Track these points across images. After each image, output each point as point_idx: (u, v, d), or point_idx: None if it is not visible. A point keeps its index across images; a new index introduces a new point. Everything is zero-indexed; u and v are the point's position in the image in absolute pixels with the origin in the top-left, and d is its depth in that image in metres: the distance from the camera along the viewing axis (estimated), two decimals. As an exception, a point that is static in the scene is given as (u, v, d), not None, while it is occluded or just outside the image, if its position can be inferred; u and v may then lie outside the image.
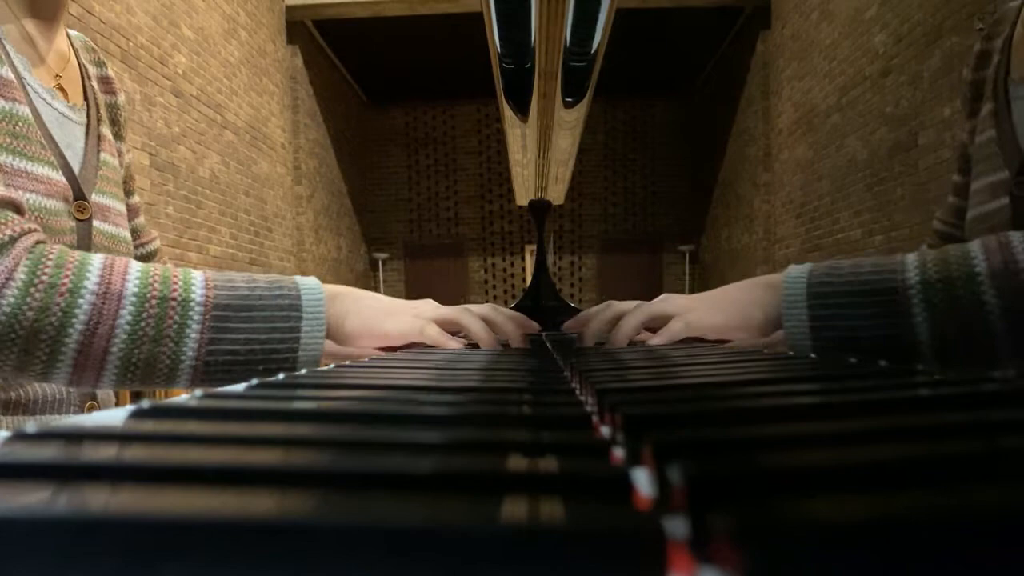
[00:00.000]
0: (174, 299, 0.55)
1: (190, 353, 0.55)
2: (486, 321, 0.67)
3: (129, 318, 0.54)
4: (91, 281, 0.53)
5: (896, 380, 0.34)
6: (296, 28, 6.91)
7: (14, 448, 0.19)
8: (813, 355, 0.51)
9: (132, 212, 0.89)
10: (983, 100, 0.79)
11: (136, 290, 0.55)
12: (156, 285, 0.55)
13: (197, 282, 0.57)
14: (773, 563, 0.11)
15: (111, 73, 0.87)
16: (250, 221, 5.84)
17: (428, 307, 0.67)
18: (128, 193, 0.88)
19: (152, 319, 0.54)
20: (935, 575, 0.11)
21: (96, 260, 0.55)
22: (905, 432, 0.21)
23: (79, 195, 0.71)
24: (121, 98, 0.88)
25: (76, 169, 0.72)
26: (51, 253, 0.54)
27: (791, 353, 0.57)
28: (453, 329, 0.67)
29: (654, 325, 0.69)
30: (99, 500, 0.15)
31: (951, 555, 0.11)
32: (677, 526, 0.14)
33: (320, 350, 0.59)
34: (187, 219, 4.74)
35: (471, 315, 0.67)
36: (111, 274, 0.54)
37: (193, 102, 5.00)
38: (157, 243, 0.94)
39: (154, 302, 0.55)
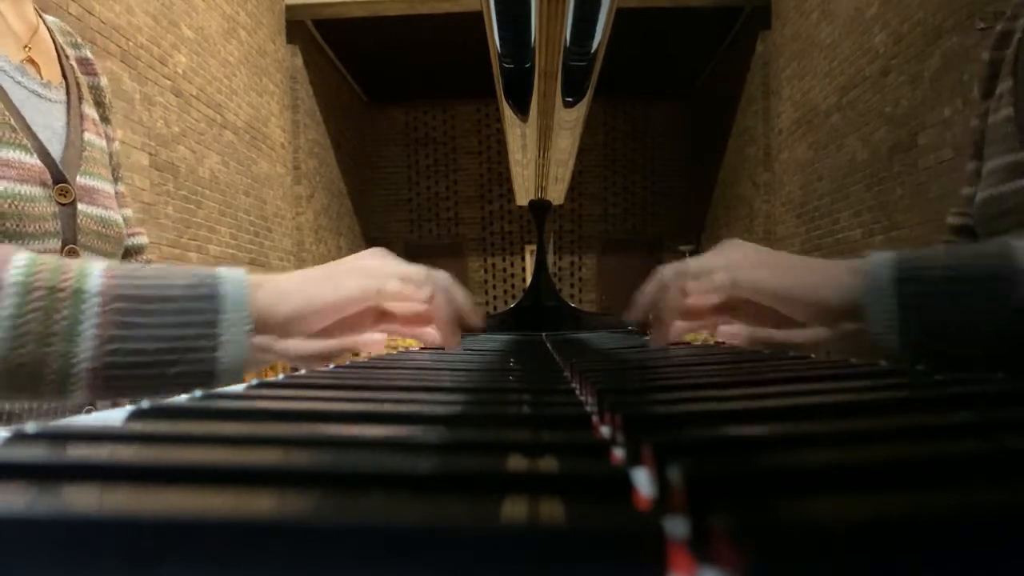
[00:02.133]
0: (64, 289, 0.47)
1: (85, 354, 0.47)
2: (448, 303, 0.57)
3: (10, 311, 0.45)
4: None
5: (896, 380, 0.34)
6: (296, 28, 6.91)
7: (14, 448, 0.19)
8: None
9: (122, 202, 0.83)
10: (999, 79, 0.75)
11: (20, 279, 0.46)
12: (43, 273, 0.47)
13: (95, 271, 0.48)
14: (773, 563, 0.11)
15: (90, 55, 0.81)
16: (250, 221, 5.84)
17: (378, 261, 0.56)
18: (116, 181, 0.83)
19: (38, 312, 0.46)
20: (935, 575, 0.11)
21: None
22: (905, 432, 0.21)
23: (59, 178, 0.66)
24: (103, 80, 0.82)
25: (57, 150, 0.68)
26: None
27: (875, 356, 0.49)
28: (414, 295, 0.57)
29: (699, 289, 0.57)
30: (98, 500, 0.15)
31: (951, 555, 0.11)
32: (677, 526, 0.14)
33: (245, 348, 0.50)
34: (187, 219, 4.74)
35: (438, 287, 0.57)
36: None
37: (193, 102, 5.00)
38: (143, 239, 0.87)
39: (40, 292, 0.46)
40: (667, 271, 0.60)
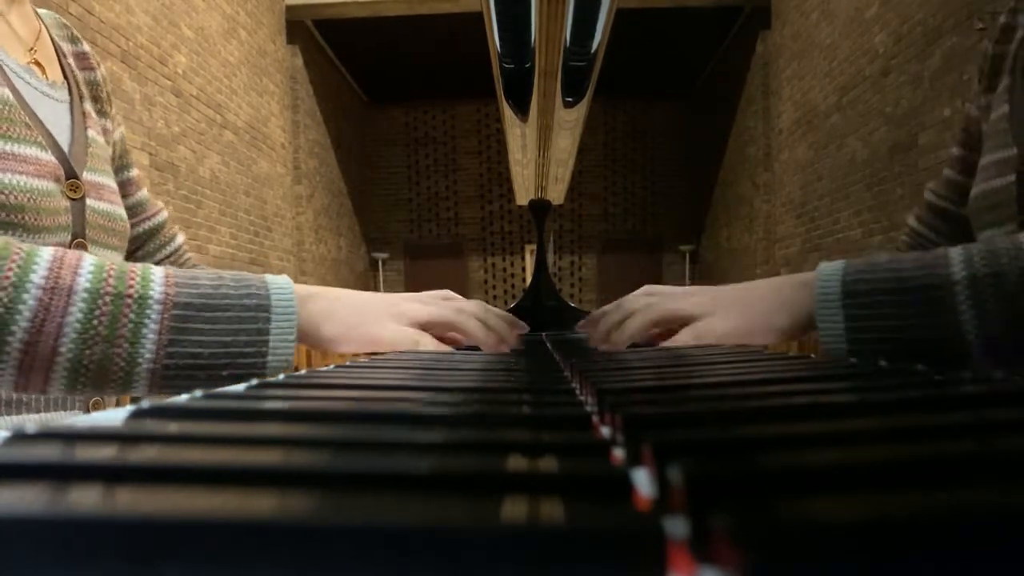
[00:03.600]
0: (130, 296, 0.51)
1: (147, 355, 0.51)
2: (480, 321, 0.63)
3: (80, 315, 0.49)
4: (38, 275, 0.49)
5: (896, 380, 0.34)
6: (296, 28, 6.91)
7: (14, 448, 0.19)
8: (852, 360, 0.48)
9: (133, 186, 0.86)
10: (1000, 75, 0.77)
11: (88, 285, 0.50)
12: (111, 280, 0.51)
13: (157, 278, 0.53)
14: (773, 563, 0.11)
15: (87, 48, 0.83)
16: (250, 221, 5.84)
17: (416, 308, 0.61)
18: (126, 167, 0.86)
19: (106, 317, 0.50)
20: (935, 575, 0.11)
21: (45, 252, 0.51)
22: (905, 432, 0.21)
23: (71, 174, 0.69)
24: (101, 72, 0.83)
25: (65, 147, 0.70)
26: None
27: (817, 356, 0.53)
28: (445, 332, 0.64)
29: (666, 327, 0.64)
30: (99, 500, 0.15)
31: (951, 555, 0.11)
32: (677, 526, 0.14)
33: (291, 354, 0.55)
34: (187, 219, 4.74)
35: (466, 316, 0.63)
36: (61, 267, 0.50)
37: (193, 102, 5.00)
38: (164, 214, 0.90)
39: (108, 299, 0.50)
40: (631, 305, 0.66)
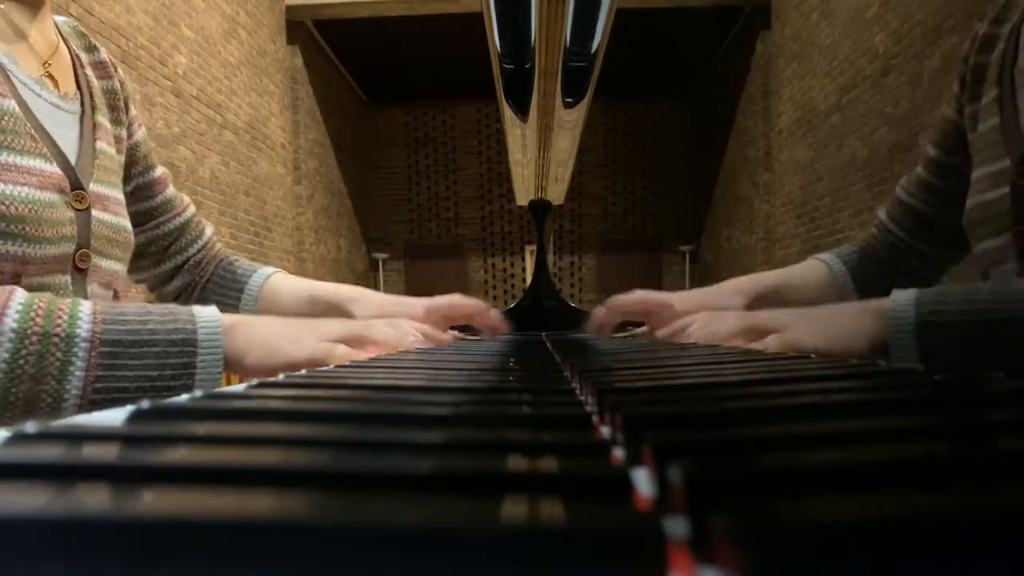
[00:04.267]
0: (57, 335, 0.52)
1: (74, 392, 0.52)
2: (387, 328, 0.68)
3: (6, 355, 0.51)
4: None
5: (896, 380, 0.34)
6: (296, 28, 6.91)
7: (14, 448, 0.19)
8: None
9: (159, 184, 0.88)
10: (985, 85, 0.77)
11: (15, 325, 0.52)
12: (38, 320, 0.52)
13: (84, 315, 0.54)
14: (773, 563, 0.11)
15: (105, 57, 0.84)
16: (250, 221, 5.84)
17: (334, 326, 0.66)
18: (150, 168, 0.88)
19: (32, 356, 0.51)
20: (935, 575, 0.11)
21: None
22: (905, 432, 0.21)
23: (76, 184, 0.70)
24: (118, 80, 0.85)
25: (72, 159, 0.71)
26: None
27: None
28: (360, 346, 0.67)
29: (750, 336, 0.66)
30: (99, 500, 0.15)
31: (951, 555, 0.11)
32: (677, 526, 0.14)
33: (216, 385, 0.57)
34: (187, 219, 4.74)
35: (377, 329, 0.67)
36: None
37: (193, 102, 5.00)
38: (191, 209, 0.93)
39: (35, 338, 0.52)
40: (720, 327, 0.69)
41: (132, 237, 0.80)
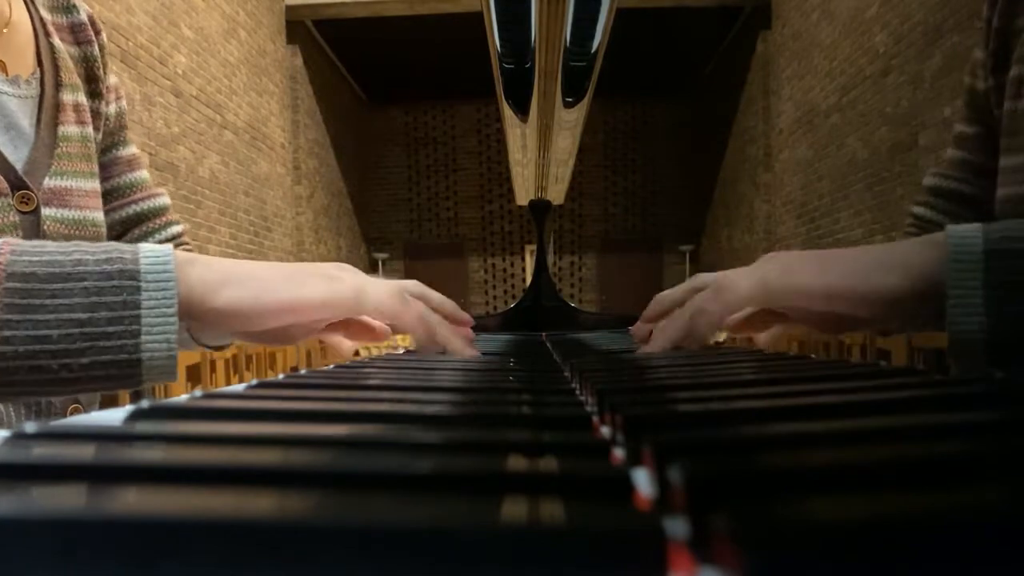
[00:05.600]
0: None
1: None
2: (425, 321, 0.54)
3: None
4: None
5: (896, 380, 0.34)
6: (296, 28, 6.91)
7: (14, 448, 0.19)
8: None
9: (123, 165, 0.77)
10: (1012, 60, 0.66)
11: None
12: None
13: None
14: (773, 563, 0.11)
15: (85, 17, 0.72)
16: (250, 221, 5.84)
17: (347, 272, 0.51)
18: (119, 144, 0.77)
19: None
20: (935, 575, 0.11)
21: None
22: (905, 432, 0.21)
23: (18, 184, 0.61)
24: (99, 44, 0.73)
25: (23, 153, 0.63)
26: None
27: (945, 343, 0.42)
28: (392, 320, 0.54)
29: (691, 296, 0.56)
30: (99, 500, 0.15)
31: (951, 555, 0.11)
32: (677, 526, 0.14)
33: (174, 332, 0.44)
34: (187, 219, 4.75)
35: (416, 300, 0.53)
36: None
37: (193, 102, 5.00)
38: (162, 200, 0.80)
39: None
40: (697, 295, 0.56)
41: (102, 230, 0.70)
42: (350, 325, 0.58)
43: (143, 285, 0.43)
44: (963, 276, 0.41)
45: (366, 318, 0.57)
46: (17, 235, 0.59)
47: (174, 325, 0.43)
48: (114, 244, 0.45)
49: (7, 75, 0.64)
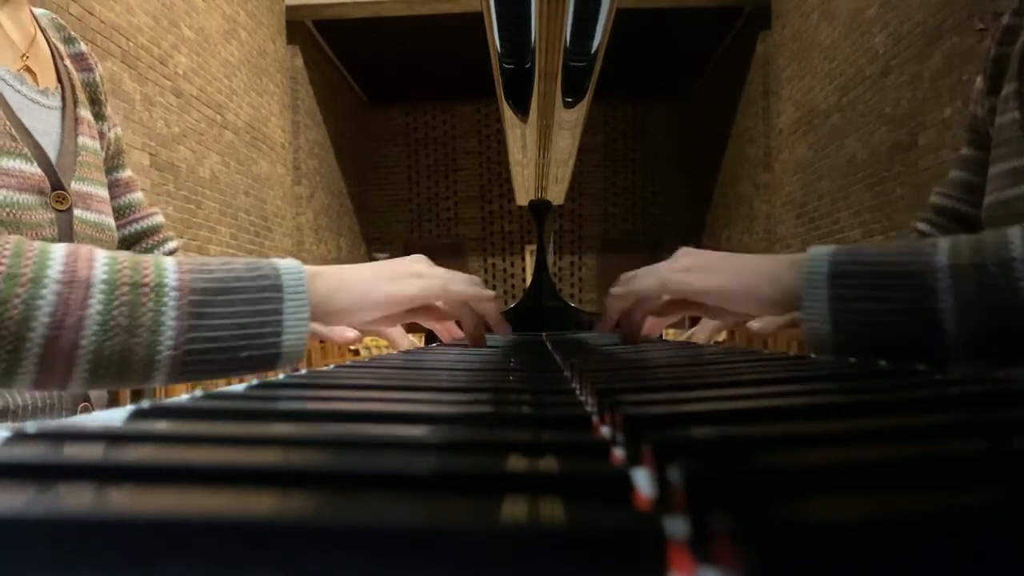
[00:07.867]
0: (146, 284, 0.51)
1: (168, 343, 0.50)
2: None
3: (99, 307, 0.49)
4: (54, 269, 0.49)
5: (895, 380, 0.34)
6: (296, 28, 6.91)
7: (14, 448, 0.19)
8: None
9: (123, 187, 0.86)
10: (1005, 78, 0.74)
11: (105, 276, 0.50)
12: (126, 271, 0.51)
13: (170, 267, 0.53)
14: (773, 563, 0.11)
15: (84, 48, 0.82)
16: (250, 221, 5.84)
17: (424, 266, 0.64)
18: (118, 167, 0.85)
19: (125, 307, 0.50)
20: (935, 575, 0.11)
21: (58, 248, 0.51)
22: (905, 432, 0.21)
23: (57, 185, 0.68)
24: (98, 73, 0.83)
25: (53, 157, 0.69)
26: (7, 243, 0.49)
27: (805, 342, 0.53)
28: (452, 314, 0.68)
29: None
30: (99, 500, 0.15)
31: (951, 555, 0.11)
32: (677, 526, 0.14)
33: (305, 332, 0.55)
34: (187, 219, 4.74)
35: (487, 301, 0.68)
36: (76, 261, 0.50)
37: (193, 102, 5.00)
38: (158, 219, 0.90)
39: (125, 288, 0.50)
40: (619, 283, 0.71)
41: (116, 235, 0.78)
42: (430, 309, 0.69)
43: (285, 296, 0.54)
44: (813, 291, 0.53)
45: (439, 304, 0.69)
46: (52, 231, 0.66)
47: (306, 325, 0.55)
48: (257, 261, 0.57)
49: (38, 85, 0.71)
